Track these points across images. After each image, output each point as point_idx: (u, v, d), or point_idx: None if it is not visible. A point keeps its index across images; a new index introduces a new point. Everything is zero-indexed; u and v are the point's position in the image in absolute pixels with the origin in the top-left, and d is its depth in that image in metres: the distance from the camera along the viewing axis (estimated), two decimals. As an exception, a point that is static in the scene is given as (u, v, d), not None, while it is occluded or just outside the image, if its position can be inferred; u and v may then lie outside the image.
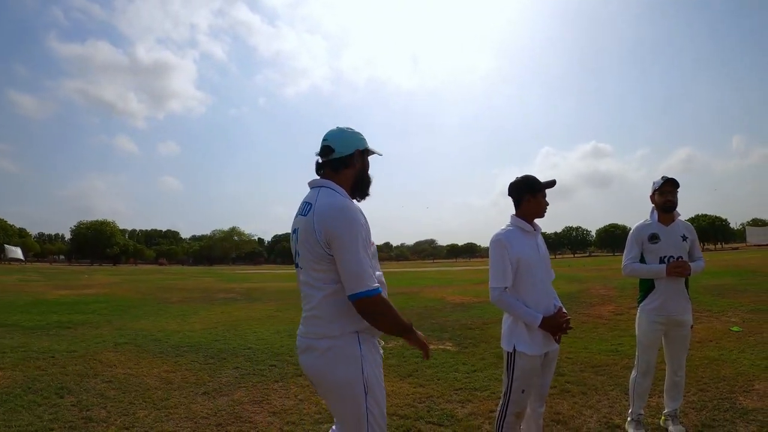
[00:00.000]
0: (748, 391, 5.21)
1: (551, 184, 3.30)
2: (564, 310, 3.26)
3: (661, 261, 4.05)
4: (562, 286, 15.86)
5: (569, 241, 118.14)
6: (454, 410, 4.80)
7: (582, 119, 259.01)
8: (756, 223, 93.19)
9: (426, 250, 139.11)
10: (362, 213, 2.36)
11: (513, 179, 3.35)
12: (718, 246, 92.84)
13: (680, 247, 4.08)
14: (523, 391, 3.15)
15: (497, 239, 3.20)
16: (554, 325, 3.13)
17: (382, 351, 2.52)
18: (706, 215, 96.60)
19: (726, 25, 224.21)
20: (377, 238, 2.77)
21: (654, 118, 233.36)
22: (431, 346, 7.57)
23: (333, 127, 2.52)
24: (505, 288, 3.15)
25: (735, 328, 8.58)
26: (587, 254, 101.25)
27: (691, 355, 6.61)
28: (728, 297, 12.26)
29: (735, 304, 11.15)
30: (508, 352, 3.19)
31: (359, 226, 2.26)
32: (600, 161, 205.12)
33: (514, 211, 3.34)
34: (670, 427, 4.18)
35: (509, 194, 3.34)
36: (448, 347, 7.77)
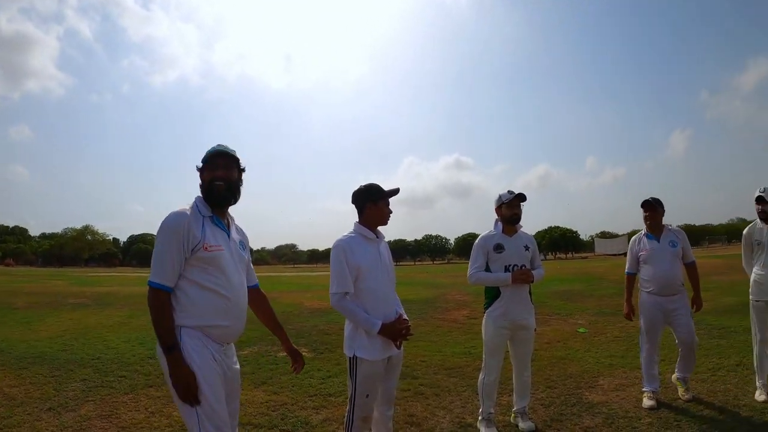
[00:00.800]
0: (593, 387, 5.60)
1: (394, 192, 3.37)
2: (405, 317, 3.34)
3: (506, 269, 4.28)
4: (420, 292, 16.27)
5: (428, 249, 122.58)
6: (308, 417, 4.76)
7: (448, 132, 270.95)
8: (604, 235, 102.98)
9: (287, 255, 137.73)
10: (186, 218, 2.50)
11: (357, 188, 3.41)
12: (569, 255, 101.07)
13: (523, 256, 4.36)
14: (367, 396, 3.21)
15: (338, 245, 3.23)
16: (393, 332, 3.19)
17: (232, 356, 2.69)
18: (558, 227, 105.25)
19: (587, 56, 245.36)
20: None
21: (516, 136, 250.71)
22: (282, 354, 7.57)
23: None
24: (346, 294, 3.18)
25: (581, 330, 9.27)
26: (446, 261, 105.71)
27: (540, 355, 7.04)
28: (576, 301, 13.34)
29: (582, 308, 12.14)
30: (349, 358, 3.24)
31: (167, 228, 2.47)
32: (462, 173, 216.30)
33: (357, 219, 3.40)
34: (520, 424, 4.44)
35: (352, 202, 3.39)
36: (303, 353, 7.52)
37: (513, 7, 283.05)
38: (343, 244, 3.23)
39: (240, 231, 2.85)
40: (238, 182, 2.70)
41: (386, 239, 3.53)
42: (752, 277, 5.05)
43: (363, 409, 3.23)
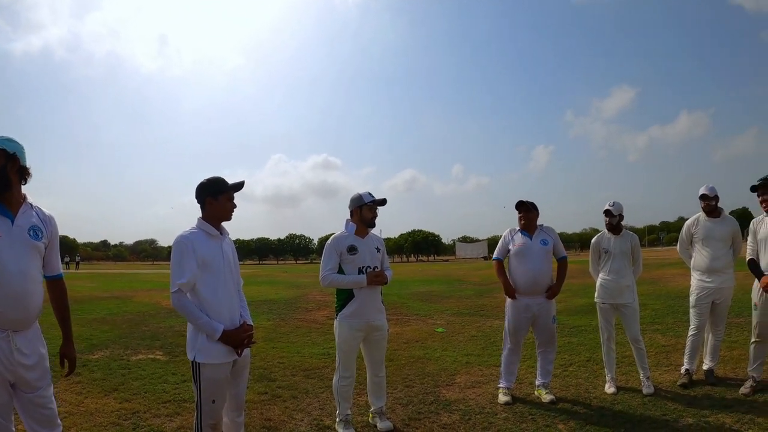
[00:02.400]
0: (450, 385, 5.70)
1: (237, 186, 3.34)
2: (249, 322, 3.33)
3: (360, 271, 4.31)
4: (282, 292, 16.10)
5: (292, 248, 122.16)
6: (162, 425, 4.53)
7: (319, 131, 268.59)
8: (465, 239, 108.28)
9: (146, 251, 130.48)
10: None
11: (200, 181, 3.35)
12: (431, 258, 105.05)
13: (375, 258, 4.44)
14: (213, 402, 3.14)
15: (179, 241, 3.14)
16: (235, 339, 3.15)
17: (26, 345, 2.67)
18: (422, 230, 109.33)
19: (463, 71, 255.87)
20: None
21: (386, 140, 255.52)
22: (140, 356, 7.14)
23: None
24: (186, 293, 3.11)
25: (439, 329, 9.48)
26: (309, 261, 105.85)
27: (398, 354, 7.09)
28: (435, 302, 13.74)
29: (441, 308, 12.51)
30: (192, 362, 3.14)
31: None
32: (329, 173, 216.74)
33: (201, 214, 3.32)
34: (378, 424, 4.43)
35: (195, 196, 3.32)
36: (158, 356, 7.19)
37: (398, 14, 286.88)
38: (184, 239, 3.14)
39: (41, 217, 2.80)
40: (4, 170, 2.65)
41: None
42: (598, 281, 5.59)
43: (211, 416, 3.14)
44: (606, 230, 5.55)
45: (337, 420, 4.37)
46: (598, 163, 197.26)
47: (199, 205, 3.30)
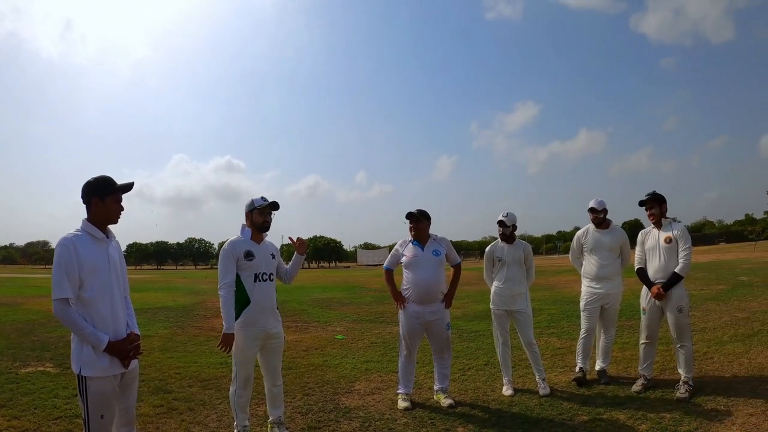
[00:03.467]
0: (350, 392, 5.66)
1: (126, 187, 3.20)
2: (136, 332, 3.23)
3: (256, 278, 4.29)
4: (179, 299, 15.65)
5: (191, 253, 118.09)
6: None
7: (223, 132, 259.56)
8: (367, 246, 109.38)
9: (38, 254, 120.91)
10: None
11: (87, 180, 3.17)
12: (333, 264, 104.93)
13: (271, 264, 4.42)
14: (102, 417, 2.99)
15: (62, 245, 2.98)
16: (121, 350, 3.05)
17: None
18: (323, 236, 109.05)
19: (370, 79, 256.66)
20: None
21: (291, 144, 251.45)
22: (30, 369, 6.60)
23: None
24: (68, 301, 2.94)
25: (339, 336, 9.43)
26: (209, 266, 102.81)
27: (297, 362, 6.98)
28: (335, 309, 13.75)
29: (341, 315, 12.49)
30: (77, 375, 2.99)
31: None
32: (232, 176, 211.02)
33: (86, 215, 3.16)
34: None
35: (81, 196, 3.15)
36: (48, 369, 6.69)
37: (315, 17, 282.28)
38: (67, 242, 2.97)
39: None
40: None
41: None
42: (492, 289, 5.80)
43: None
44: (500, 239, 5.76)
45: (235, 431, 4.28)
46: (500, 175, 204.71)
47: (84, 206, 3.13)
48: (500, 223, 5.63)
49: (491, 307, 5.73)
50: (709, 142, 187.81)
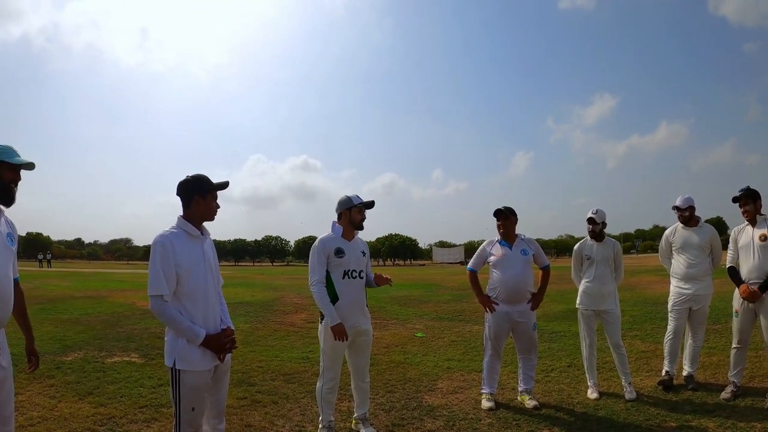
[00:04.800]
0: (432, 390, 5.73)
1: (224, 185, 3.28)
2: (231, 328, 3.30)
3: (345, 275, 4.33)
4: (258, 294, 16.06)
5: (268, 250, 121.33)
6: (138, 431, 4.47)
7: (300, 133, 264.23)
8: (442, 244, 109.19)
9: (121, 250, 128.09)
10: None
11: (183, 178, 3.26)
12: (408, 262, 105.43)
13: (361, 261, 4.46)
14: (193, 410, 3.08)
15: (159, 242, 3.05)
16: (217, 345, 3.13)
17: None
18: (399, 234, 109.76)
19: (444, 77, 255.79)
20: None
21: (366, 144, 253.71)
22: (116, 359, 7.11)
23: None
24: (166, 297, 3.03)
25: (419, 334, 9.51)
26: (285, 263, 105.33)
27: (378, 359, 7.09)
28: (413, 306, 13.79)
29: (419, 313, 12.54)
30: (170, 369, 3.08)
31: None
32: (308, 175, 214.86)
33: (182, 212, 3.25)
34: (362, 430, 4.46)
35: (177, 194, 3.25)
36: (133, 359, 7.14)
37: (386, 15, 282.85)
38: (164, 240, 3.05)
39: (9, 224, 2.91)
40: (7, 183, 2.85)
41: (213, 238, 3.34)
42: (581, 288, 5.72)
43: (190, 424, 3.08)
44: (588, 237, 5.68)
45: (320, 426, 4.37)
46: (577, 170, 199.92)
47: (182, 204, 3.23)
48: (590, 220, 5.55)
49: (578, 306, 5.67)
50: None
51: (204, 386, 3.11)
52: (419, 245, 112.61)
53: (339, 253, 4.31)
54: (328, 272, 4.33)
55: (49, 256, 54.50)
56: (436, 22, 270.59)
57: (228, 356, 3.26)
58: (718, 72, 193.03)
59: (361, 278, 4.43)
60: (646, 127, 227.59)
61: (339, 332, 4.18)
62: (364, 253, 4.49)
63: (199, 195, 3.17)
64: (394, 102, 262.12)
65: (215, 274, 3.30)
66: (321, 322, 4.39)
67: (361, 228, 4.48)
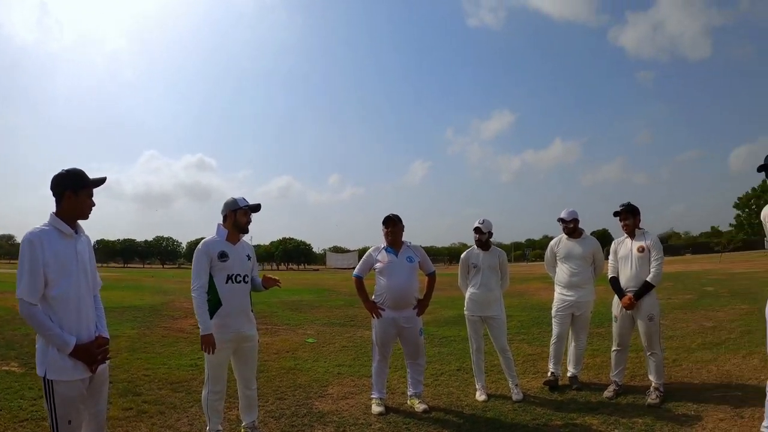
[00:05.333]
0: (323, 396, 5.64)
1: (99, 181, 3.13)
2: (105, 335, 3.12)
3: (229, 279, 4.22)
4: (147, 298, 15.43)
5: (159, 251, 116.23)
6: None
7: (196, 129, 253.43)
8: (336, 249, 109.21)
9: (3, 248, 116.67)
10: None
11: (57, 172, 3.06)
12: (302, 267, 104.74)
13: (246, 266, 4.37)
14: (69, 422, 2.89)
15: (28, 240, 2.86)
16: (88, 355, 2.94)
17: None
18: (293, 239, 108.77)
19: (346, 81, 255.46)
20: None
21: (264, 145, 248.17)
22: None
23: None
24: (34, 300, 2.84)
25: (310, 340, 9.39)
26: (177, 266, 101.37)
27: (269, 366, 6.93)
28: (305, 312, 13.66)
29: (311, 318, 12.43)
30: (42, 379, 2.89)
31: None
32: (203, 174, 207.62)
33: (55, 209, 3.04)
34: None
35: (51, 188, 3.04)
36: (13, 368, 6.55)
37: (295, 14, 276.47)
38: (32, 238, 2.85)
39: None
40: None
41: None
42: (467, 295, 5.88)
43: None
44: (475, 246, 5.83)
45: None
46: (473, 181, 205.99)
47: (55, 200, 3.02)
48: (476, 229, 5.70)
49: (465, 312, 5.81)
50: (680, 156, 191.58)
51: (79, 398, 2.92)
52: (313, 250, 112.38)
53: (223, 256, 4.19)
54: (211, 276, 4.17)
55: None
56: (344, 25, 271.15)
57: (103, 366, 3.07)
58: (613, 96, 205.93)
59: (246, 283, 4.31)
60: (542, 143, 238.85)
61: (207, 342, 4.04)
62: (249, 257, 4.40)
63: (71, 191, 2.98)
64: (295, 104, 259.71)
65: (90, 277, 3.10)
66: None
67: (246, 231, 4.39)
